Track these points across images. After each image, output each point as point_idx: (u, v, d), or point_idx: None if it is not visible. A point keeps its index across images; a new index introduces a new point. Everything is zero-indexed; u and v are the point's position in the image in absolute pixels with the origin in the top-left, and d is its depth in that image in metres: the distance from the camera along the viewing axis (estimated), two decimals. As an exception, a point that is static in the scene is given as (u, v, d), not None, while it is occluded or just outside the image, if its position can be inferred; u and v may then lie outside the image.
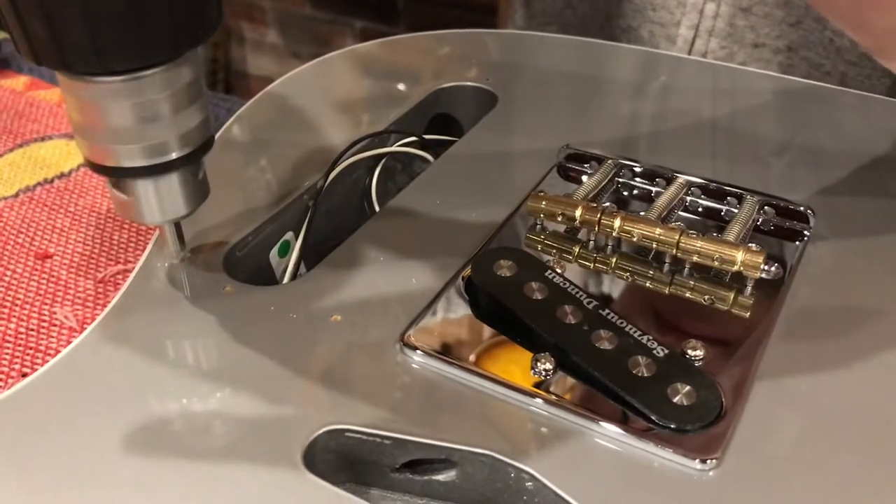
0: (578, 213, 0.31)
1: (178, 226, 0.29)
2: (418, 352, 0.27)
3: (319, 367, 0.27)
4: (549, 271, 0.29)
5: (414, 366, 0.27)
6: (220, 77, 1.88)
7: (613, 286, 0.30)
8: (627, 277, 0.31)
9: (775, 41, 0.47)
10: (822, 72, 0.47)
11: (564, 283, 0.28)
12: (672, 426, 0.24)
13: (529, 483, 0.24)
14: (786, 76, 0.44)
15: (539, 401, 0.25)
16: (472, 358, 0.27)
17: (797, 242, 0.32)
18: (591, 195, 0.33)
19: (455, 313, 0.29)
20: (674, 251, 0.30)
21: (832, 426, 0.25)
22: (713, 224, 0.33)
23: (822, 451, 0.24)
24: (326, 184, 0.35)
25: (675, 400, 0.25)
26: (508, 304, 0.28)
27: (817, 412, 0.25)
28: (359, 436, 0.25)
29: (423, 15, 1.59)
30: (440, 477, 0.25)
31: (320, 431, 0.24)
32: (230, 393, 0.26)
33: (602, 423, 0.24)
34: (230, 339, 0.28)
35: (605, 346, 0.26)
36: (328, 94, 0.44)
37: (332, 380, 0.26)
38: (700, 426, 0.24)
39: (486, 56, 0.46)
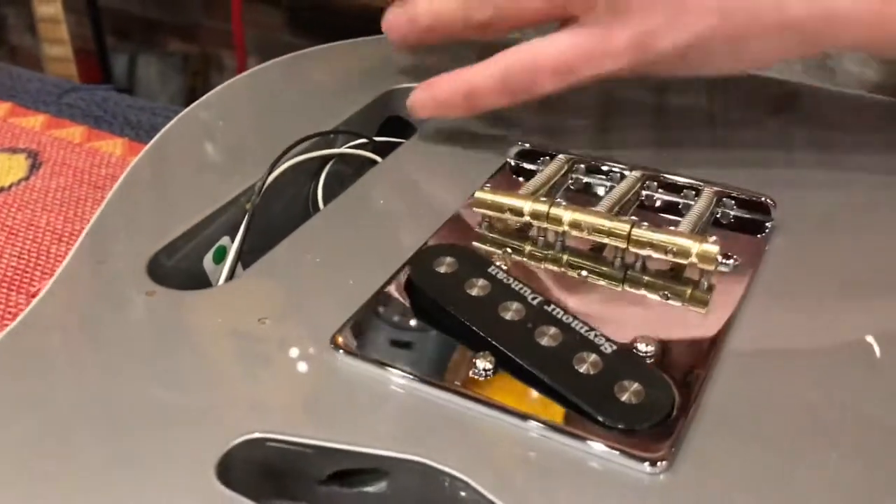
0: (526, 206, 0.29)
1: None
2: (349, 355, 0.25)
3: (242, 372, 0.25)
4: (493, 267, 0.27)
5: (344, 369, 0.25)
6: (198, 105, 1.87)
7: (565, 283, 0.28)
8: (580, 274, 0.29)
9: None
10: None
11: (508, 280, 0.27)
12: (619, 426, 0.22)
13: (464, 492, 0.21)
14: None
15: (474, 403, 0.23)
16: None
17: (759, 235, 0.30)
18: (541, 190, 0.31)
19: (394, 314, 0.27)
20: (625, 244, 0.28)
21: (793, 425, 0.23)
22: (672, 219, 0.31)
23: (781, 451, 0.22)
24: (265, 186, 0.33)
25: (623, 398, 0.23)
26: (446, 301, 0.26)
27: (777, 410, 0.23)
28: (280, 445, 0.23)
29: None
30: (370, 488, 0.23)
31: (237, 441, 0.22)
32: (142, 402, 0.24)
33: (543, 425, 0.22)
34: (149, 345, 0.26)
35: (549, 343, 0.24)
36: (277, 98, 0.42)
37: (254, 386, 0.24)
38: (649, 425, 0.22)
39: (440, 56, 0.45)
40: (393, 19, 0.36)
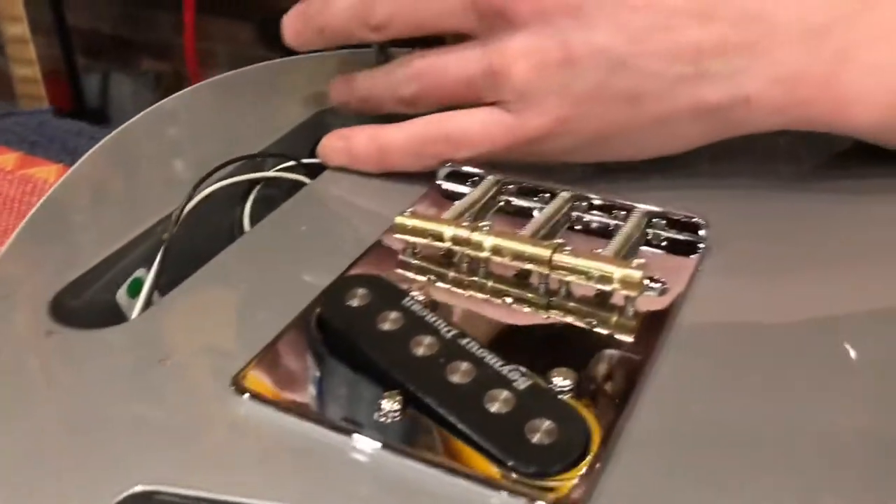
0: (447, 231, 0.28)
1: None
2: (252, 398, 0.24)
3: (134, 418, 0.23)
4: (409, 299, 0.26)
5: (245, 414, 0.23)
6: (170, 122, 1.85)
7: (488, 311, 0.27)
8: (504, 301, 0.27)
9: None
10: None
11: (423, 312, 0.25)
12: (530, 470, 0.21)
13: (363, 545, 0.20)
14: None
15: (376, 447, 0.22)
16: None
17: (691, 256, 0.29)
18: (467, 214, 0.30)
19: (303, 350, 0.25)
20: (547, 270, 0.27)
21: (719, 464, 0.22)
22: (604, 241, 0.30)
23: (706, 491, 0.21)
24: (183, 214, 0.32)
25: (534, 439, 0.22)
26: (354, 336, 0.25)
27: (702, 445, 0.22)
28: (173, 498, 0.21)
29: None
30: (268, 541, 0.22)
31: (124, 495, 0.21)
32: (20, 454, 0.22)
33: (448, 471, 0.21)
34: (36, 390, 0.24)
35: (461, 379, 0.23)
36: (208, 119, 0.41)
37: (147, 434, 0.23)
38: (561, 468, 0.21)
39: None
40: (336, 86, 0.38)
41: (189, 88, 0.41)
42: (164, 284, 0.31)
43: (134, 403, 0.24)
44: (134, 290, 0.31)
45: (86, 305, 0.30)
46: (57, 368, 0.25)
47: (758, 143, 0.32)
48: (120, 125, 0.39)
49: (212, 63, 1.83)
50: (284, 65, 0.44)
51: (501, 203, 0.32)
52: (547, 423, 0.22)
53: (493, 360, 0.24)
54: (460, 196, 0.32)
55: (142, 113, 0.39)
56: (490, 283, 0.28)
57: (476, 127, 0.32)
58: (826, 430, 0.23)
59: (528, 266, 0.27)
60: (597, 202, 0.31)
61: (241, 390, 0.24)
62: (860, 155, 0.33)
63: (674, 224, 0.30)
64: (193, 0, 1.00)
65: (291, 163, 0.37)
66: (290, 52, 0.45)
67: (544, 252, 0.27)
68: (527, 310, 0.27)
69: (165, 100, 0.40)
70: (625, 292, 0.26)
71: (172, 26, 1.87)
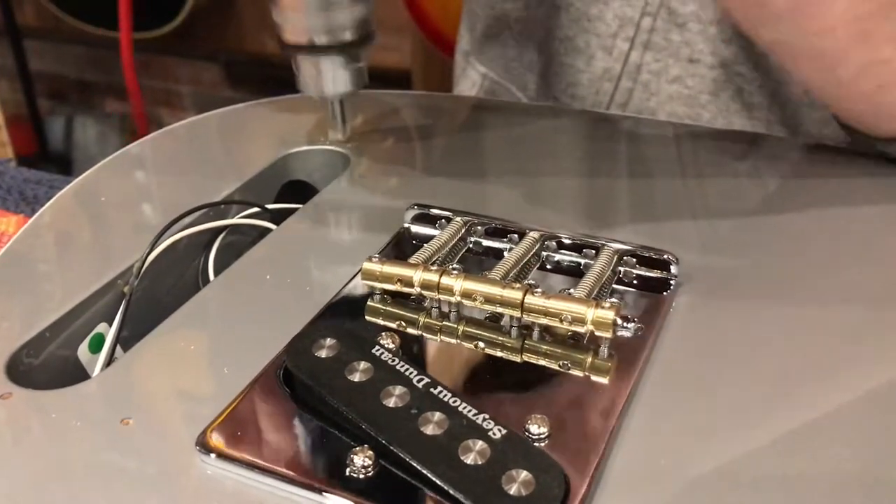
0: (416, 276, 0.28)
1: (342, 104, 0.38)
2: (218, 457, 0.23)
3: (94, 485, 0.22)
4: (378, 348, 0.25)
5: (211, 473, 0.23)
6: (136, 164, 1.83)
7: (460, 357, 0.27)
8: (476, 346, 0.27)
9: (709, 57, 0.47)
10: (755, 85, 0.47)
11: (393, 361, 0.25)
12: (508, 523, 0.20)
13: None
14: (641, 116, 0.42)
15: (348, 505, 0.21)
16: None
17: (664, 293, 0.29)
18: (435, 257, 0.29)
19: (271, 405, 0.25)
20: (520, 312, 0.26)
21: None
22: (575, 280, 0.30)
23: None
24: (144, 266, 0.31)
25: (511, 491, 0.21)
26: (323, 389, 0.24)
27: (683, 486, 0.22)
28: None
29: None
30: None
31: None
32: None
33: (423, 527, 0.20)
34: (-8, 458, 0.23)
35: (434, 431, 0.22)
36: (170, 167, 0.40)
37: (114, 497, 0.22)
38: (540, 520, 0.20)
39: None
40: None
41: (151, 135, 0.41)
42: (127, 338, 0.30)
43: (98, 466, 0.23)
44: (95, 346, 0.30)
45: (45, 363, 0.29)
46: (10, 434, 0.24)
47: (722, 176, 0.32)
48: (85, 168, 0.39)
49: (178, 104, 1.83)
50: (248, 109, 0.44)
51: (470, 244, 0.32)
52: (524, 474, 0.21)
53: (466, 409, 0.23)
54: (428, 238, 0.31)
55: (104, 160, 0.38)
56: (461, 328, 0.28)
57: None
58: (810, 465, 0.22)
59: (500, 309, 0.27)
60: (566, 241, 0.30)
61: (207, 449, 0.23)
62: (826, 185, 0.33)
63: (644, 261, 0.29)
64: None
65: (256, 209, 0.36)
66: (257, 92, 0.44)
67: (516, 295, 0.26)
68: (500, 354, 0.27)
69: (128, 146, 0.40)
70: (599, 333, 0.25)
71: (138, 67, 1.86)
